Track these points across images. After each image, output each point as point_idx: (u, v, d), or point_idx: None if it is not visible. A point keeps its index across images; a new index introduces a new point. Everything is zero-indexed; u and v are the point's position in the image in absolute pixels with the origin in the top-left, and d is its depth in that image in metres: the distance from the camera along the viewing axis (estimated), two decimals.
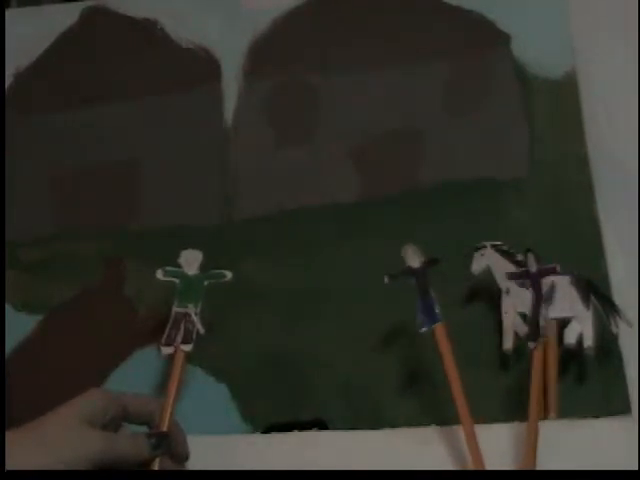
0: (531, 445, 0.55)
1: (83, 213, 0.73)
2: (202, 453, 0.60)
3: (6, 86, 0.79)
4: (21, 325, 0.68)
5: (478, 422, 0.57)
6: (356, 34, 0.76)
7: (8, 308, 0.69)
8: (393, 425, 0.61)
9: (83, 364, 0.66)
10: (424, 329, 0.57)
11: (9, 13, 0.82)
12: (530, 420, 0.56)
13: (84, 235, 0.72)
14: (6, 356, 0.67)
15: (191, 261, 0.62)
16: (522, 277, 0.59)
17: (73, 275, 0.70)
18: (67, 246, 0.71)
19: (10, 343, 0.67)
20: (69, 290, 0.69)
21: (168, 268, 0.62)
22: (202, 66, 0.77)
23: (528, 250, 0.59)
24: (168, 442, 0.55)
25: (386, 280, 0.59)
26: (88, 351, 0.67)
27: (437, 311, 0.58)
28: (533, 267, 0.59)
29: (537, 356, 0.57)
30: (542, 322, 0.57)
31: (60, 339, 0.68)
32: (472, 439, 0.55)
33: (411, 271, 0.59)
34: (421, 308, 0.58)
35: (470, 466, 0.56)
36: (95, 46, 0.79)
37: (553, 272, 0.59)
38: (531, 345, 0.57)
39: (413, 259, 0.59)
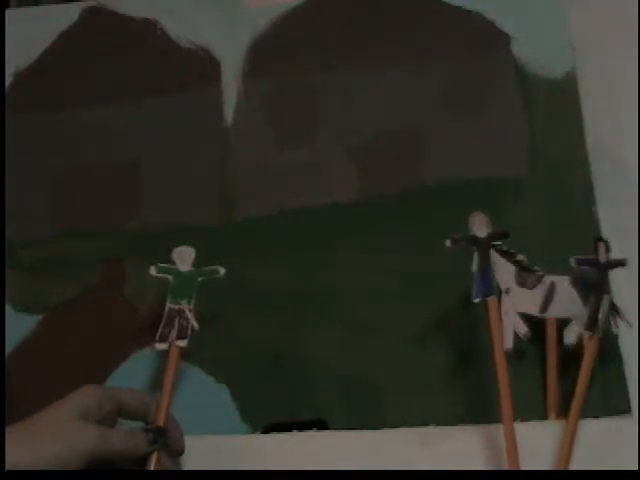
0: (568, 444, 0.55)
1: (83, 213, 0.73)
2: (202, 453, 0.60)
3: (6, 86, 0.79)
4: (21, 325, 0.68)
5: (478, 422, 0.57)
6: (356, 34, 0.76)
7: (8, 308, 0.69)
8: (393, 425, 0.61)
9: (83, 364, 0.66)
10: (477, 300, 0.57)
11: (9, 13, 0.82)
12: (571, 417, 0.56)
13: (84, 235, 0.72)
14: (6, 356, 0.67)
15: (184, 258, 0.63)
16: (591, 265, 0.59)
17: (73, 275, 0.70)
18: (67, 246, 0.71)
19: (10, 343, 0.67)
20: (69, 290, 0.69)
21: (161, 265, 0.62)
22: (202, 66, 0.77)
23: (599, 239, 0.59)
24: (165, 437, 0.55)
25: (448, 243, 0.59)
26: (88, 351, 0.67)
27: (494, 285, 0.57)
28: (603, 257, 0.59)
29: (589, 347, 0.57)
30: (601, 315, 0.57)
31: (60, 339, 0.68)
32: (510, 432, 0.55)
33: (475, 239, 0.59)
34: (478, 279, 0.58)
35: (469, 467, 0.56)
36: (95, 46, 0.79)
37: (621, 265, 0.59)
38: (586, 334, 0.57)
39: (480, 228, 0.59)
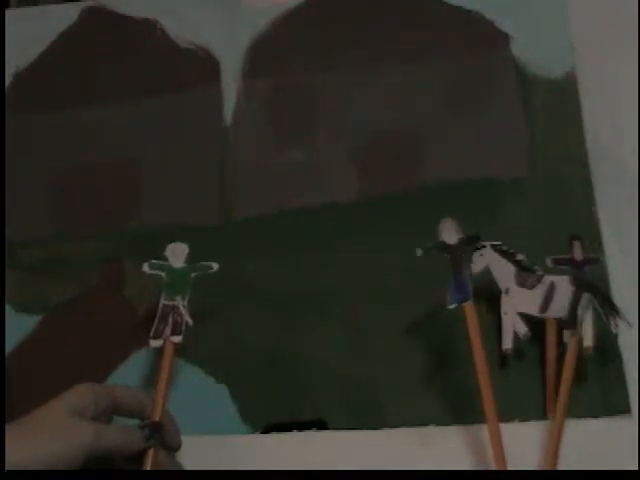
0: (554, 444, 0.55)
1: (83, 213, 0.73)
2: (202, 453, 0.60)
3: (6, 86, 0.79)
4: (21, 325, 0.68)
5: (478, 422, 0.57)
6: (356, 34, 0.76)
7: (8, 308, 0.69)
8: (393, 425, 0.61)
9: (82, 364, 0.66)
10: (452, 306, 0.57)
11: (9, 13, 0.82)
12: (557, 417, 0.56)
13: (84, 235, 0.72)
14: (6, 356, 0.67)
15: (178, 254, 0.63)
16: (567, 263, 0.59)
17: (73, 275, 0.70)
18: (67, 246, 0.71)
19: (10, 343, 0.67)
20: (69, 290, 0.69)
21: (154, 261, 0.62)
22: (202, 66, 0.77)
23: (575, 238, 0.59)
24: (161, 433, 0.55)
25: (418, 253, 0.58)
26: (87, 352, 0.67)
27: (469, 290, 0.57)
28: (579, 255, 0.59)
29: (572, 346, 0.57)
30: (580, 311, 0.57)
31: (60, 339, 0.68)
32: (495, 432, 0.55)
33: (445, 246, 0.58)
34: (452, 285, 0.57)
35: (469, 467, 0.56)
36: (95, 46, 0.79)
37: (596, 262, 0.59)
38: (566, 334, 0.57)
39: (449, 234, 0.58)
